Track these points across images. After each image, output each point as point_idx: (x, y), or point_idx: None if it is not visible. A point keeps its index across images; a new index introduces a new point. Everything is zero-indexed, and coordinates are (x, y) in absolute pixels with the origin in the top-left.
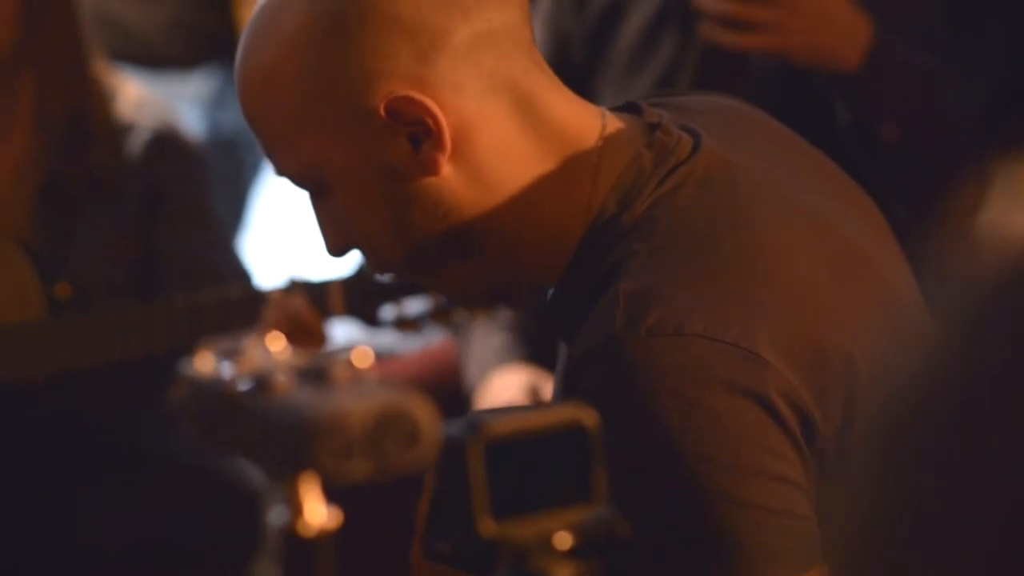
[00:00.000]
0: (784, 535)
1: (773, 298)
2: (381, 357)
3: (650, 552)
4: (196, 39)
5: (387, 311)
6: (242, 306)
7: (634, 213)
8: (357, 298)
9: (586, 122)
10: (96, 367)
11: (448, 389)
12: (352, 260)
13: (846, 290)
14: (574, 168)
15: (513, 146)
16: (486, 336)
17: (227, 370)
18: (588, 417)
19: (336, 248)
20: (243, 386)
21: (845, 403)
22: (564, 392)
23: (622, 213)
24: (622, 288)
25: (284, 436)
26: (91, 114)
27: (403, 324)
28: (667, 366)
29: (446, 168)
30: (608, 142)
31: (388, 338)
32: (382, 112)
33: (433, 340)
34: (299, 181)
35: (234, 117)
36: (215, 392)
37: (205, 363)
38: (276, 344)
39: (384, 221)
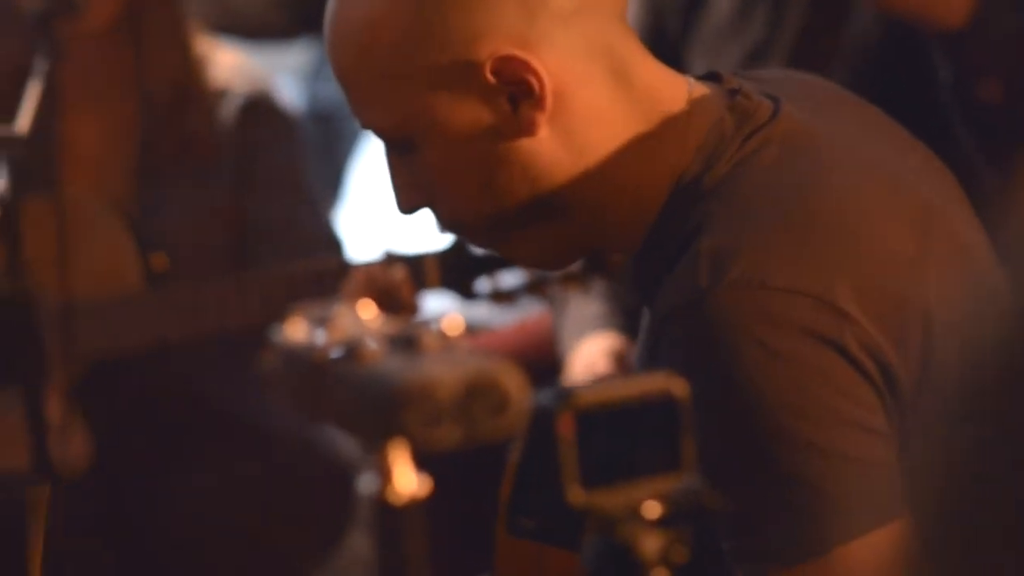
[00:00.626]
0: (866, 484)
1: (852, 253)
2: (476, 330)
3: (732, 500)
4: (295, 10)
5: (482, 284)
6: (337, 277)
7: (715, 174)
8: (452, 271)
9: (673, 89)
10: (192, 338)
11: (543, 362)
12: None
13: (924, 247)
14: (662, 133)
15: (606, 110)
16: (580, 306)
17: (318, 337)
18: (678, 386)
19: (409, 206)
20: (334, 353)
21: (923, 357)
22: (648, 351)
23: (704, 175)
24: (703, 245)
25: (374, 403)
26: (187, 81)
27: (498, 297)
28: (749, 318)
29: (543, 129)
30: (693, 107)
31: (483, 311)
32: (486, 70)
33: (529, 313)
34: (387, 136)
35: (333, 88)
36: (306, 359)
37: (296, 330)
38: (367, 312)
39: (472, 180)
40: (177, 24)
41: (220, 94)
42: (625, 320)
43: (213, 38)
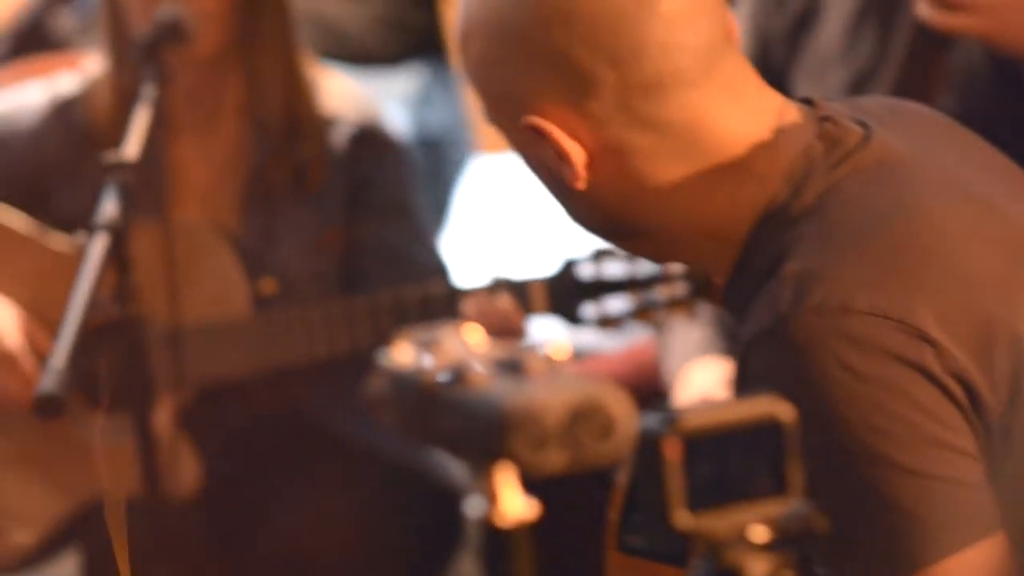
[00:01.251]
0: (956, 503)
1: (939, 277)
2: (583, 355)
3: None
4: (403, 37)
5: (588, 309)
6: (445, 302)
7: (803, 201)
8: (559, 296)
9: (758, 121)
10: (300, 363)
11: (649, 387)
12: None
13: (1014, 272)
14: (748, 161)
15: (669, 164)
16: (685, 331)
17: (425, 361)
18: (783, 411)
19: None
20: (440, 377)
21: (1012, 381)
22: (737, 375)
23: (791, 202)
24: (788, 269)
25: (480, 427)
26: (298, 108)
27: (604, 322)
28: (833, 342)
29: (591, 182)
30: (781, 134)
31: (590, 336)
32: (540, 128)
33: (636, 338)
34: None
35: (440, 115)
36: (413, 383)
37: (403, 354)
38: (473, 336)
39: (563, 203)
40: (288, 50)
41: (330, 121)
42: (728, 344)
43: (322, 64)
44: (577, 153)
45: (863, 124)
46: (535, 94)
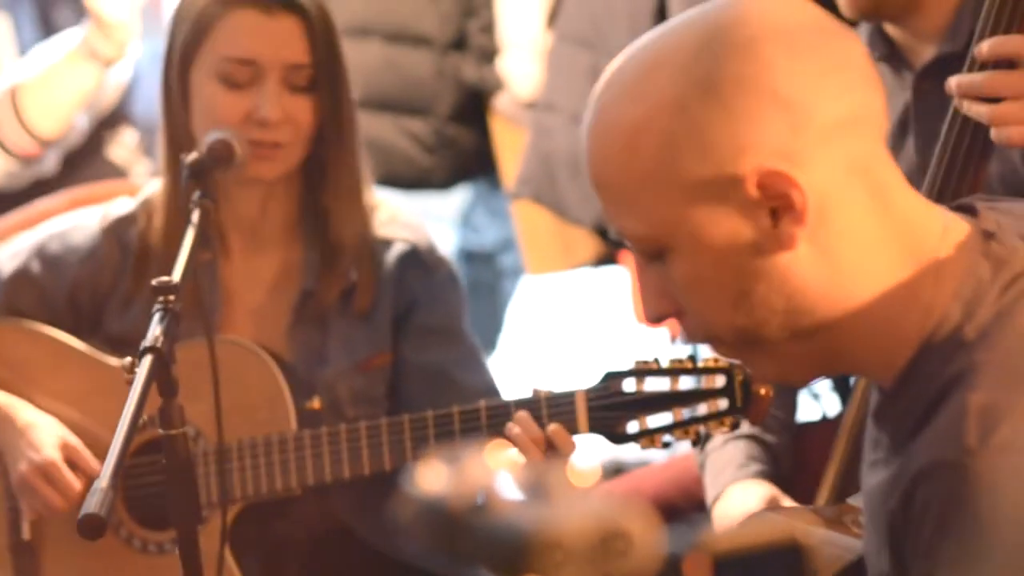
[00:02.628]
0: None
1: None
2: (625, 468)
3: None
4: (454, 159)
5: (631, 425)
6: (487, 418)
7: (977, 324)
8: (601, 411)
9: (930, 221)
10: (346, 478)
11: (691, 501)
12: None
13: None
14: (919, 266)
15: (865, 232)
16: (726, 449)
17: (454, 483)
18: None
19: (655, 315)
20: (466, 500)
21: None
22: (900, 502)
23: (965, 324)
24: (972, 400)
25: (504, 552)
26: (352, 232)
27: (646, 439)
28: (1016, 483)
29: (801, 245)
30: (948, 246)
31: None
32: (750, 183)
33: (677, 452)
34: (641, 243)
35: (491, 232)
36: (439, 507)
37: (430, 476)
38: (504, 456)
39: (725, 292)
40: (351, 177)
41: (380, 244)
42: (771, 465)
43: (374, 187)
44: (800, 198)
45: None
46: (758, 144)
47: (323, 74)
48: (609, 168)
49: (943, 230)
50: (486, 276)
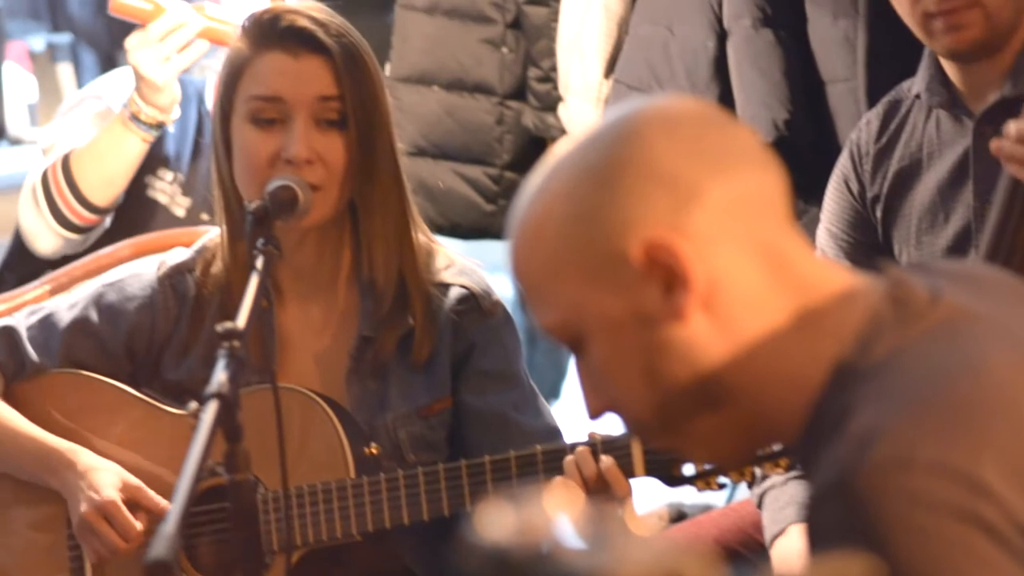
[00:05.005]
0: None
1: (1004, 429)
2: (686, 513)
3: None
4: (510, 208)
5: (687, 468)
6: (546, 462)
7: (871, 360)
8: (657, 455)
9: (832, 279)
10: (407, 523)
11: (753, 544)
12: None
13: None
14: (819, 321)
15: (761, 298)
16: (784, 485)
17: (513, 528)
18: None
19: (596, 409)
20: (530, 548)
21: None
22: (807, 532)
23: (860, 360)
24: (851, 427)
25: None
26: (407, 277)
27: (702, 481)
28: (894, 498)
29: (695, 316)
30: (851, 296)
31: (691, 493)
32: (638, 257)
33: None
34: (559, 334)
35: None
36: (502, 554)
37: (492, 523)
38: (563, 501)
39: (635, 372)
40: (400, 220)
41: (439, 288)
42: None
43: (430, 234)
44: (688, 268)
45: (933, 285)
46: (643, 219)
47: (353, 109)
48: (520, 263)
49: (847, 285)
50: None
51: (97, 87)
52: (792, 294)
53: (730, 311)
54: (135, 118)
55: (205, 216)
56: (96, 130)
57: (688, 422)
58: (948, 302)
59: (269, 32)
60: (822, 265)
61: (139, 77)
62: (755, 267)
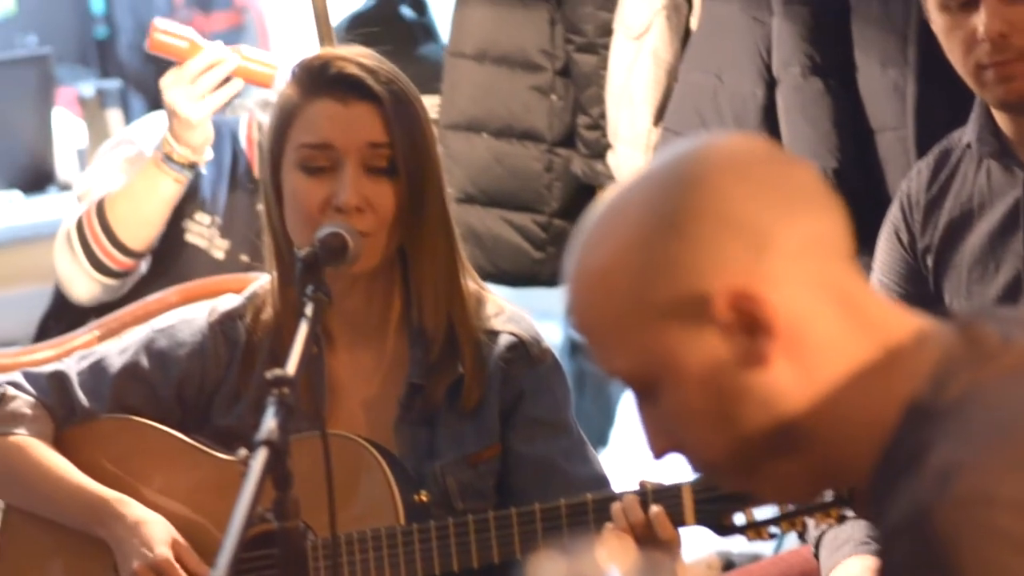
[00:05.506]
0: None
1: None
2: (737, 562)
3: None
4: (563, 254)
5: (737, 517)
6: (595, 513)
7: (945, 398)
8: (707, 503)
9: (903, 322)
10: (456, 571)
11: None
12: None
13: None
14: (893, 363)
15: (839, 342)
16: (838, 532)
17: None
18: None
19: (660, 451)
20: None
21: None
22: (881, 571)
23: (935, 398)
24: (930, 461)
25: None
26: (457, 324)
27: (753, 530)
28: (974, 534)
29: (777, 362)
30: (923, 337)
31: (741, 542)
32: (721, 305)
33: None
34: (628, 380)
35: None
36: None
37: (544, 571)
38: (615, 552)
39: (711, 418)
40: (449, 266)
41: (488, 335)
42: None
43: (479, 281)
44: (771, 315)
45: (1004, 328)
46: (720, 268)
47: (403, 156)
48: (588, 312)
49: (918, 327)
50: (591, 368)
51: (130, 131)
52: (867, 336)
53: (810, 356)
54: (168, 159)
55: (244, 257)
56: (129, 174)
57: (761, 466)
58: (1020, 344)
59: (319, 79)
60: (889, 306)
61: (173, 115)
62: (830, 310)
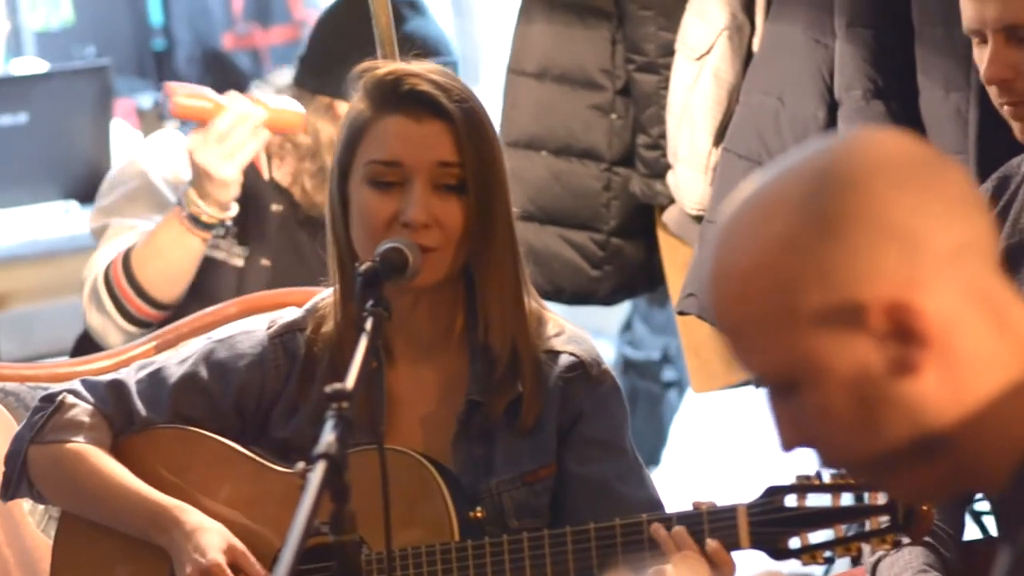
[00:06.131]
0: None
1: None
2: None
3: None
4: (620, 273)
5: (793, 541)
6: (651, 535)
7: None
8: (763, 526)
9: None
10: None
11: None
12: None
13: None
14: None
15: (989, 352)
16: (894, 555)
17: None
18: None
19: (790, 445)
20: None
21: None
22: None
23: None
24: None
25: None
26: (518, 342)
27: (808, 555)
28: None
29: (925, 371)
30: None
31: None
32: (875, 312)
33: (836, 569)
34: (770, 380)
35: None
36: None
37: None
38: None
39: (854, 421)
40: (513, 284)
41: (548, 355)
42: (938, 564)
43: (542, 301)
44: (926, 325)
45: None
46: (876, 274)
47: (472, 174)
48: (732, 311)
49: None
50: (644, 387)
51: (138, 160)
52: (1014, 348)
53: (958, 367)
54: (195, 219)
55: (265, 262)
56: (144, 210)
57: (897, 469)
58: None
59: (391, 95)
60: None
61: (206, 176)
62: (981, 319)
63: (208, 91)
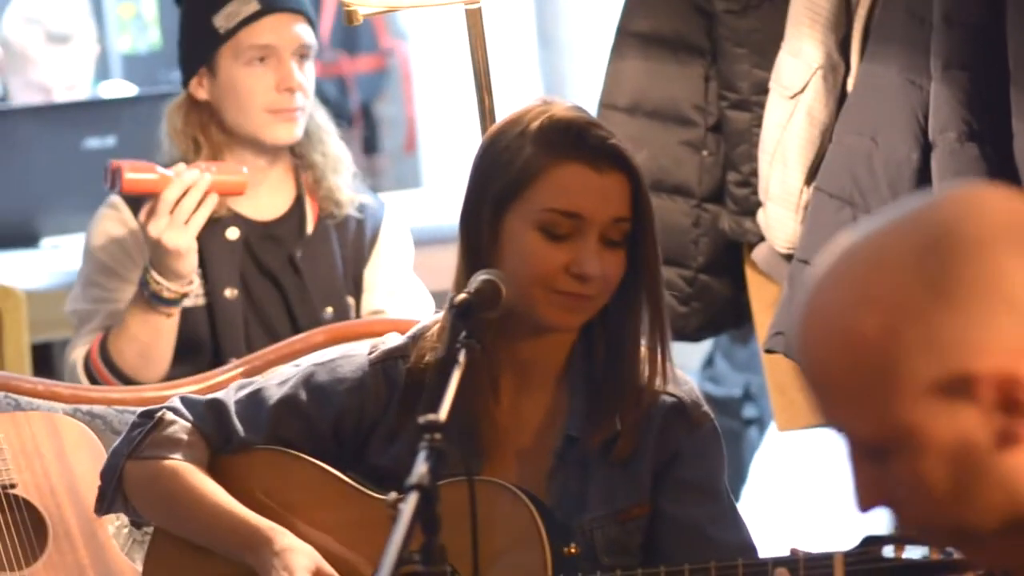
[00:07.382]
0: None
1: None
2: None
3: None
4: (707, 309)
5: None
6: None
7: None
8: (859, 574)
9: None
10: None
11: None
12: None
13: None
14: None
15: None
16: None
17: None
18: None
19: (868, 506)
20: None
21: None
22: None
23: None
24: None
25: None
26: (624, 380)
27: None
28: None
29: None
30: None
31: None
32: (987, 385)
33: None
34: (861, 443)
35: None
36: None
37: None
38: None
39: (946, 491)
40: (638, 327)
41: (650, 395)
42: None
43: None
44: None
45: None
46: (992, 345)
47: (639, 229)
48: (831, 370)
49: None
50: (725, 424)
51: (87, 244)
52: None
53: None
54: (157, 297)
55: (230, 292)
56: (105, 289)
57: (984, 540)
58: None
59: (575, 142)
60: None
61: (161, 248)
62: None
63: (151, 165)
